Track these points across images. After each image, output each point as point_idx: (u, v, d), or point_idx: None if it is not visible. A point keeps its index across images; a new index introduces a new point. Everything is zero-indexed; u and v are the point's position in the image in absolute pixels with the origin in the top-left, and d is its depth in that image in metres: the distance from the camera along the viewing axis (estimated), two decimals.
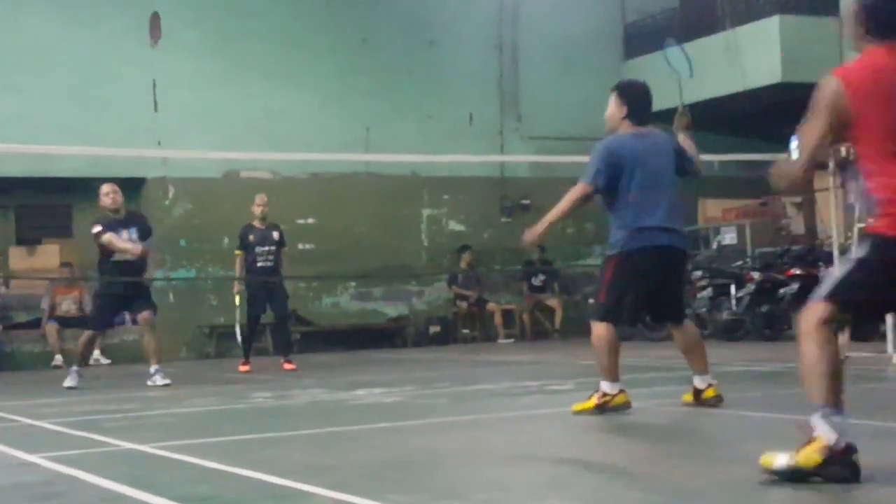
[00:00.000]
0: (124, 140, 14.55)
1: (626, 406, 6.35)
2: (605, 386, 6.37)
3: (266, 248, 11.93)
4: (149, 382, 10.09)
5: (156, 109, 15.34)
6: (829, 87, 3.99)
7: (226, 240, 15.40)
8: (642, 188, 6.42)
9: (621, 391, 6.36)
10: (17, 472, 5.11)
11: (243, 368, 11.73)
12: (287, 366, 11.67)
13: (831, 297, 4.08)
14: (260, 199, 12.26)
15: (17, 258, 14.93)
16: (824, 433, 3.97)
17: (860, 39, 4.09)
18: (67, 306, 14.60)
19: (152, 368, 10.17)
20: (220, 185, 15.62)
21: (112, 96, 14.99)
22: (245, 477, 4.63)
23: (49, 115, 14.53)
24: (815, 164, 4.22)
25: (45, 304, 14.50)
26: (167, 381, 10.03)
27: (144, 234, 10.38)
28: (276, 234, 12.08)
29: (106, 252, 10.16)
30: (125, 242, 10.09)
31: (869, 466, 4.16)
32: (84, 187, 15.11)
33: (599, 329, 6.40)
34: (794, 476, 3.98)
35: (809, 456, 3.97)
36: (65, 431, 6.63)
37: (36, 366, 14.20)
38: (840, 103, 3.96)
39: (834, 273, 4.16)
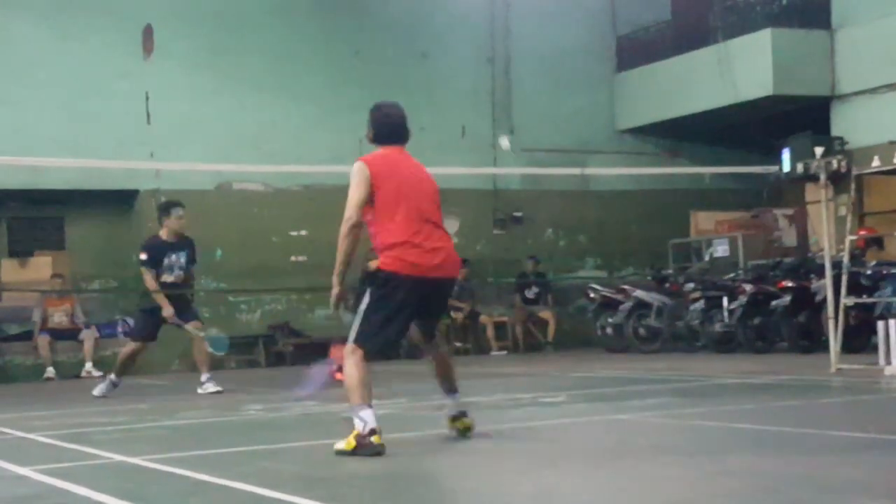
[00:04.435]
0: (117, 152, 14.53)
1: None
2: None
3: None
4: (199, 390, 10.26)
5: (148, 122, 15.34)
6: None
7: (219, 252, 15.41)
8: None
9: None
10: (8, 485, 5.09)
11: None
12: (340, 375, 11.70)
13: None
14: None
15: (9, 270, 14.89)
16: (357, 425, 5.48)
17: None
18: (59, 318, 14.56)
19: (203, 376, 10.38)
20: (212, 198, 15.60)
21: (105, 109, 14.97)
22: (236, 489, 4.62)
23: (42, 128, 14.51)
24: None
25: (36, 317, 14.45)
26: (219, 389, 10.22)
27: (192, 259, 10.56)
28: None
29: (154, 276, 10.31)
30: (162, 298, 10.22)
31: (862, 479, 4.17)
32: (76, 199, 15.13)
33: None
34: (346, 454, 5.43)
35: (349, 442, 5.48)
36: (57, 444, 6.61)
37: (28, 378, 14.15)
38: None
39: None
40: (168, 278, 10.36)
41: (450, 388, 6.05)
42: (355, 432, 5.49)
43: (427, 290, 5.74)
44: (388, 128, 5.99)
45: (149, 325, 10.46)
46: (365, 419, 5.49)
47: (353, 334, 5.78)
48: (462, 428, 6.03)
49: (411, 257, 5.69)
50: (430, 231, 5.77)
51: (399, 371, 11.41)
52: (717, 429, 6.25)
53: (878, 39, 14.82)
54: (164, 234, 10.51)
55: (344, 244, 5.80)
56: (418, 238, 5.72)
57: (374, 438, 5.45)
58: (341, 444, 5.53)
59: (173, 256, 10.37)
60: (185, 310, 10.48)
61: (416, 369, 10.83)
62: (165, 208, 10.70)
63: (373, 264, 5.87)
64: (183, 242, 10.52)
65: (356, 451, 5.44)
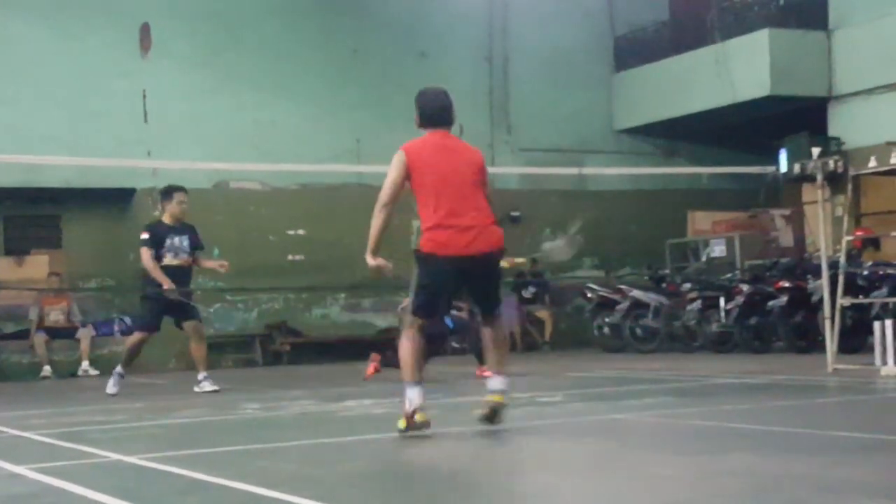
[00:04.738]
0: (114, 151, 14.53)
1: None
2: None
3: None
4: (196, 389, 10.25)
5: (146, 120, 15.33)
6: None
7: (216, 250, 15.39)
8: None
9: None
10: (4, 483, 5.08)
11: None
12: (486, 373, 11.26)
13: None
14: None
15: (6, 269, 14.87)
16: (405, 404, 5.93)
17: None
18: (55, 317, 14.55)
19: (200, 375, 10.36)
20: (209, 196, 15.59)
21: (102, 107, 14.97)
22: (233, 488, 4.62)
23: (39, 126, 14.50)
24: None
25: (33, 315, 14.44)
26: (216, 388, 10.20)
27: (195, 244, 10.55)
28: None
29: (155, 257, 10.29)
30: (159, 273, 10.20)
31: (859, 479, 4.17)
32: (73, 198, 15.11)
33: None
34: (403, 431, 5.95)
35: (402, 421, 5.95)
36: (53, 443, 6.60)
37: (24, 377, 14.14)
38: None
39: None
40: (172, 261, 10.33)
41: (495, 366, 6.34)
42: (405, 411, 5.96)
43: (464, 267, 6.10)
44: (430, 112, 6.37)
45: (153, 314, 10.40)
46: (411, 398, 5.92)
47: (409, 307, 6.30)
48: (489, 400, 6.24)
49: (442, 238, 6.10)
50: (463, 212, 6.11)
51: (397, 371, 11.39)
52: (715, 428, 6.25)
53: (875, 40, 14.83)
54: (166, 218, 10.54)
55: (374, 222, 6.24)
56: (450, 220, 6.10)
57: (417, 416, 5.89)
58: (400, 423, 5.98)
59: (175, 239, 10.36)
60: (186, 306, 10.46)
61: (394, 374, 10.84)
62: (167, 192, 10.69)
63: None
64: (185, 227, 10.53)
65: (407, 429, 5.95)
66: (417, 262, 6.23)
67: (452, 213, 6.10)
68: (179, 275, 10.38)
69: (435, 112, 6.36)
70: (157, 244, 10.32)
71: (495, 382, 6.28)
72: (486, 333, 6.37)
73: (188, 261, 10.47)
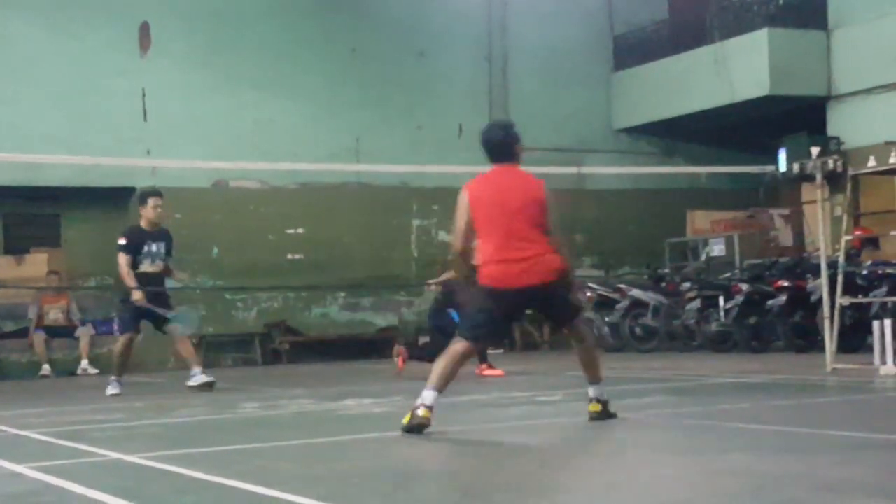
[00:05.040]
0: (113, 150, 14.53)
1: None
2: None
3: None
4: (188, 383, 10.20)
5: (145, 119, 15.33)
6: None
7: (215, 249, 15.40)
8: None
9: None
10: (3, 482, 5.09)
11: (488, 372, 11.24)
12: (486, 371, 11.22)
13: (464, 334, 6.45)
14: None
15: (5, 267, 14.88)
16: (417, 400, 6.15)
17: None
18: (55, 315, 14.55)
19: (193, 370, 10.30)
20: (209, 195, 15.60)
21: (101, 106, 14.97)
22: (232, 487, 4.62)
23: (38, 125, 14.50)
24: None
25: (32, 314, 14.45)
26: (210, 379, 10.17)
27: (170, 250, 10.52)
28: None
29: (133, 263, 10.25)
30: (131, 280, 10.17)
31: (858, 478, 4.18)
32: (72, 196, 15.12)
33: None
34: (403, 428, 6.16)
35: (406, 416, 6.17)
36: (52, 441, 6.60)
37: (24, 375, 14.14)
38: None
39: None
40: (149, 268, 10.29)
41: (589, 378, 6.54)
42: (414, 405, 6.18)
43: (520, 298, 6.37)
44: (490, 148, 6.55)
45: (132, 316, 10.35)
46: (424, 397, 6.14)
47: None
48: (591, 411, 6.52)
49: (496, 273, 6.32)
50: (515, 245, 6.30)
51: (399, 371, 11.41)
52: (714, 428, 6.26)
53: (875, 40, 14.83)
54: (143, 223, 10.49)
55: (456, 272, 6.93)
56: (502, 254, 6.30)
57: (421, 411, 6.09)
58: (404, 419, 6.16)
59: (153, 246, 10.33)
60: (164, 308, 10.36)
61: (418, 369, 10.86)
62: (142, 197, 10.67)
63: (446, 275, 6.65)
64: (161, 233, 10.49)
65: (409, 422, 6.11)
66: (476, 288, 6.51)
67: (503, 248, 6.29)
68: (155, 282, 10.35)
69: (494, 148, 6.52)
70: (134, 250, 10.28)
71: (590, 391, 6.55)
72: (576, 350, 6.57)
73: (163, 267, 10.44)
